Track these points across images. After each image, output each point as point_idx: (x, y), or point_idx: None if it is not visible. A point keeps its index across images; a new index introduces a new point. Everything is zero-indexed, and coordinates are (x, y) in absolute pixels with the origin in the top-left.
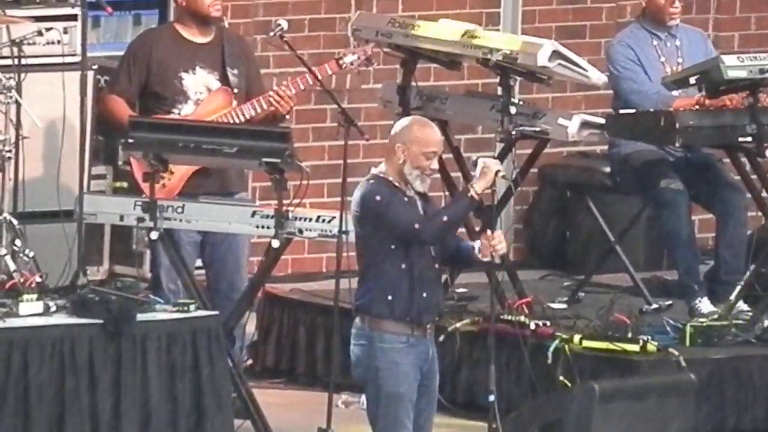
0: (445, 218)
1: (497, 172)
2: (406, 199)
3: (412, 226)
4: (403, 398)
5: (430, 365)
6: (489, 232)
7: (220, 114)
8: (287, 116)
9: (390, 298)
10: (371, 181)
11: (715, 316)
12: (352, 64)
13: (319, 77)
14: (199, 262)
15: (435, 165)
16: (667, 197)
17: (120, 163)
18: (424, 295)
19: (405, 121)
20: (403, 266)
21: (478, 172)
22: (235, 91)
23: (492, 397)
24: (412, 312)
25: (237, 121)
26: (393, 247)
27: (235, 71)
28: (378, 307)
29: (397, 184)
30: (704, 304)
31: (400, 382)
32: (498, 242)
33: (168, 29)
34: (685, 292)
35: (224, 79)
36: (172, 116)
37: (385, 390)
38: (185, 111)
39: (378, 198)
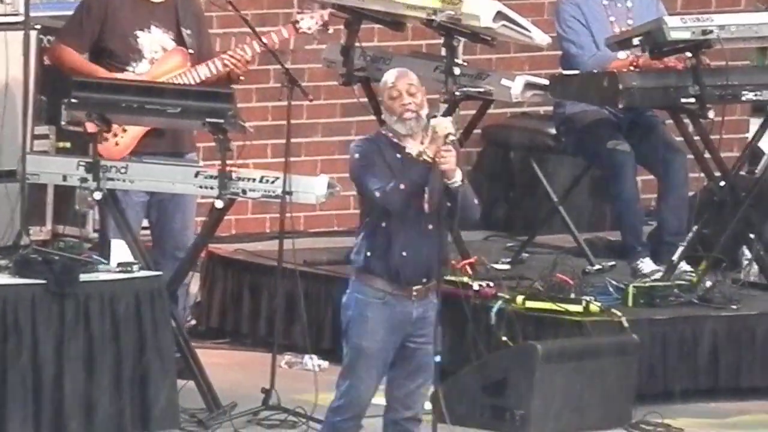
0: (402, 186)
1: (447, 135)
2: (398, 155)
3: (374, 194)
4: (364, 353)
5: (416, 329)
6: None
7: (175, 74)
8: (241, 78)
9: (368, 254)
10: (366, 138)
11: (658, 276)
12: (309, 28)
13: (272, 41)
14: (145, 222)
15: (409, 103)
16: (614, 159)
17: (63, 123)
18: (404, 254)
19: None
20: (383, 224)
21: (429, 135)
22: (191, 51)
23: (438, 358)
24: (390, 271)
25: (191, 81)
26: (368, 207)
27: (189, 31)
28: (359, 260)
29: (396, 140)
30: (646, 264)
31: (364, 336)
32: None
33: None
34: (628, 252)
35: (179, 39)
36: (125, 74)
37: (351, 340)
38: (140, 69)
39: (356, 157)
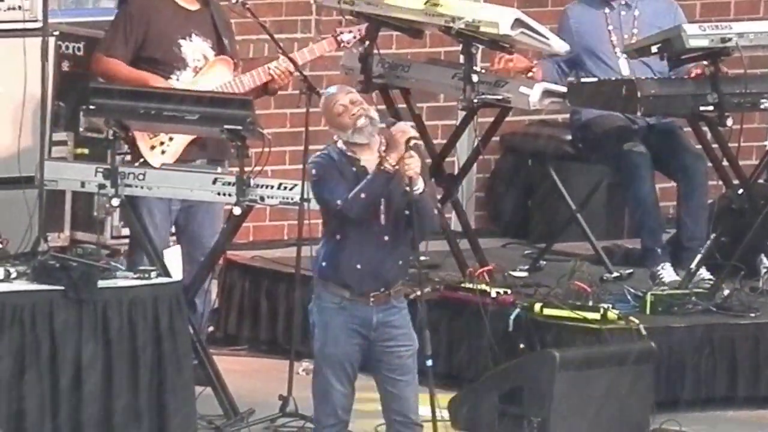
0: (363, 195)
1: (408, 139)
2: (354, 169)
3: (336, 204)
4: (329, 358)
5: (380, 334)
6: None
7: (221, 83)
8: (278, 91)
9: (324, 264)
10: (321, 153)
11: (676, 285)
12: (348, 42)
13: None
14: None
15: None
16: (630, 160)
17: (81, 129)
18: (358, 266)
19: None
20: (338, 237)
21: (390, 141)
22: (234, 60)
23: (430, 362)
24: (344, 281)
25: (237, 90)
26: (327, 218)
27: (226, 40)
28: (317, 268)
29: (350, 153)
30: (667, 271)
31: (327, 342)
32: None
33: None
34: (647, 256)
35: (218, 47)
36: (169, 82)
37: (315, 347)
38: (183, 78)
39: (313, 172)
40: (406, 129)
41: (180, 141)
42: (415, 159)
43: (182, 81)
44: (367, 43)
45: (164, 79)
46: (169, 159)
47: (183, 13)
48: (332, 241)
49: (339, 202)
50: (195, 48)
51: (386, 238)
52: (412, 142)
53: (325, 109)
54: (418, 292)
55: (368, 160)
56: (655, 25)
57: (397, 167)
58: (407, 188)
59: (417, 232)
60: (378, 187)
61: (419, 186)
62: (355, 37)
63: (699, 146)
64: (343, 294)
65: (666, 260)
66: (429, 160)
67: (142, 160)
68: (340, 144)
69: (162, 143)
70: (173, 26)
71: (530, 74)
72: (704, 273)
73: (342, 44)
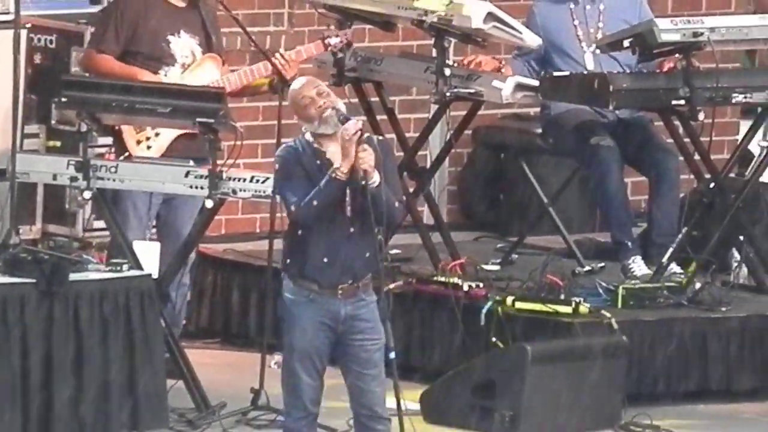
0: (315, 202)
1: (356, 133)
2: (318, 161)
3: (290, 206)
4: (297, 350)
5: (348, 327)
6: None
7: (210, 82)
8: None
9: (288, 261)
10: (288, 145)
11: (648, 279)
12: (335, 45)
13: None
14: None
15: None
16: (598, 154)
17: (53, 122)
18: (325, 260)
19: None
20: (300, 232)
21: (340, 145)
22: (222, 57)
23: (393, 354)
24: (312, 274)
25: (227, 88)
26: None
27: (214, 37)
28: (283, 264)
29: (317, 145)
30: (637, 265)
31: (295, 335)
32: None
33: None
34: (619, 249)
35: (206, 44)
36: (157, 78)
37: (285, 340)
38: (171, 74)
39: (276, 167)
40: (351, 128)
41: (167, 136)
42: (368, 152)
43: (170, 77)
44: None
45: (154, 74)
46: (155, 153)
47: (172, 10)
48: (295, 236)
49: (293, 207)
50: (183, 44)
51: (352, 230)
52: (360, 135)
53: (293, 101)
54: (391, 286)
55: (334, 152)
56: (621, 18)
57: (347, 174)
58: (363, 182)
59: (375, 224)
60: (330, 195)
61: (375, 179)
62: (341, 41)
63: (671, 140)
64: (311, 287)
65: (636, 254)
66: (399, 155)
67: (127, 153)
68: (307, 136)
69: (148, 138)
70: (163, 22)
71: (500, 73)
72: (675, 267)
73: (329, 47)
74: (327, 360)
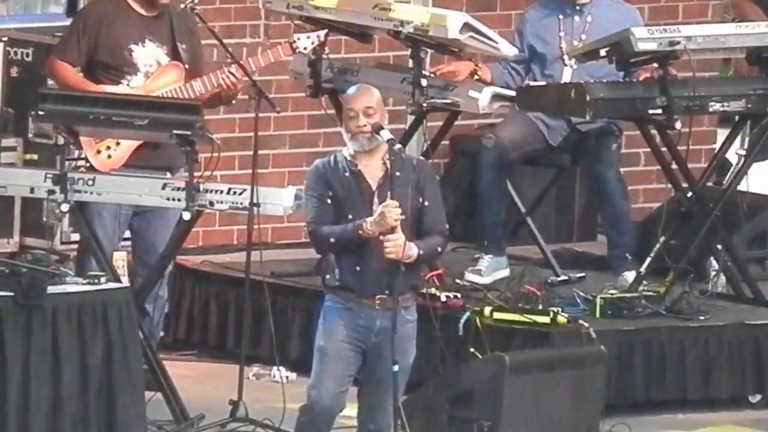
0: (332, 239)
1: (394, 228)
2: (347, 174)
3: (307, 224)
4: (322, 352)
5: (381, 340)
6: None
7: (170, 89)
8: (233, 101)
9: (327, 276)
10: (325, 158)
11: (625, 288)
12: (305, 48)
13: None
14: (126, 233)
15: (364, 125)
16: (479, 154)
17: (30, 135)
18: (357, 269)
19: None
20: (332, 240)
21: (377, 215)
22: (186, 66)
23: (396, 368)
24: (348, 283)
25: (186, 96)
26: None
27: (184, 45)
28: (324, 277)
29: (350, 158)
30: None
31: (323, 336)
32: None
33: (118, 0)
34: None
35: (173, 53)
36: (118, 87)
37: (315, 344)
38: (134, 83)
39: (306, 182)
40: (392, 213)
41: (126, 146)
42: (394, 243)
43: (133, 86)
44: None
45: (114, 84)
46: (115, 164)
47: (138, 19)
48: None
49: (310, 228)
50: (147, 53)
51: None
52: (396, 225)
53: (344, 102)
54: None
55: (366, 165)
56: (607, 31)
57: (372, 233)
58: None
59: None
60: (349, 242)
61: (412, 255)
62: (313, 43)
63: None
64: (350, 297)
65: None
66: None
67: (88, 164)
68: (344, 152)
69: (108, 147)
70: (126, 31)
71: (476, 76)
72: (629, 276)
73: (297, 50)
74: (354, 370)
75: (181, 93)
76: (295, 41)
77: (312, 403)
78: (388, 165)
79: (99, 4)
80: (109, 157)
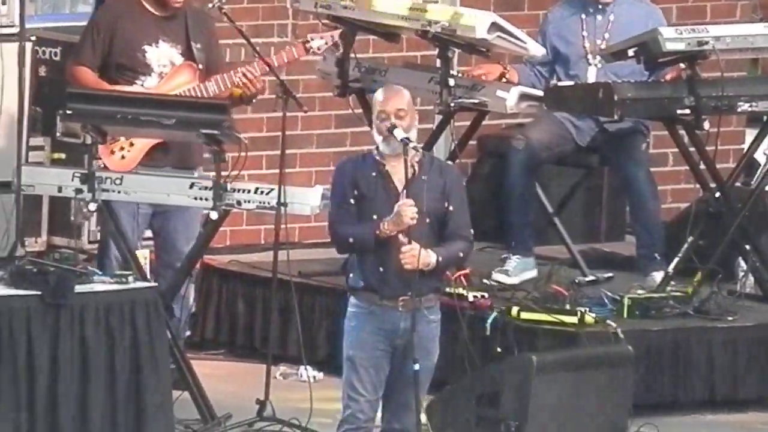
0: (351, 239)
1: (409, 226)
2: (374, 173)
3: (329, 224)
4: (352, 361)
5: (404, 340)
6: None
7: (184, 89)
8: (254, 99)
9: (351, 274)
10: (352, 156)
11: (653, 288)
12: (319, 48)
13: (282, 60)
14: (148, 233)
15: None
16: (507, 155)
17: (58, 134)
18: (381, 269)
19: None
20: (351, 240)
21: (393, 214)
22: (199, 66)
23: (417, 366)
24: (372, 284)
25: (200, 96)
26: None
27: (198, 45)
28: (348, 277)
29: (378, 158)
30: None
31: (352, 345)
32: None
33: (132, 1)
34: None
35: (188, 53)
36: (132, 88)
37: (344, 352)
38: (149, 83)
39: (333, 177)
40: (408, 212)
41: (139, 147)
42: (409, 255)
43: (147, 87)
44: (343, 47)
45: (128, 85)
46: (128, 165)
47: (152, 19)
48: None
49: (331, 228)
50: (161, 54)
51: (407, 240)
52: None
53: (375, 103)
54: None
55: (395, 166)
56: (630, 30)
57: (390, 233)
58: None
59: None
60: (368, 242)
61: (429, 264)
62: (326, 43)
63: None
64: (372, 298)
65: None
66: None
67: (102, 165)
68: (374, 148)
69: (122, 148)
70: (140, 32)
71: (504, 79)
72: (657, 276)
73: (311, 50)
74: (385, 374)
75: (195, 93)
76: (308, 41)
77: (352, 417)
78: (416, 168)
79: (112, 6)
80: (123, 157)
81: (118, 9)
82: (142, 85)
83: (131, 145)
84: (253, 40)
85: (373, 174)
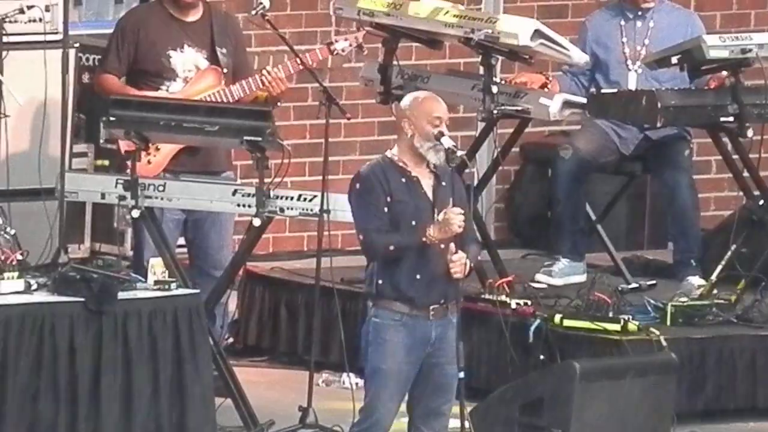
0: (391, 247)
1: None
2: (403, 179)
3: (360, 234)
4: (384, 375)
5: (435, 349)
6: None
7: (208, 93)
8: (280, 102)
9: (380, 282)
10: (372, 163)
11: (696, 295)
12: (343, 50)
13: (307, 61)
14: (181, 240)
15: (445, 137)
16: (555, 164)
17: (101, 141)
18: (418, 277)
19: (410, 96)
20: (391, 248)
21: (440, 220)
22: (224, 70)
23: (462, 375)
24: (404, 293)
25: (225, 100)
26: None
27: (224, 50)
28: (371, 289)
29: (402, 164)
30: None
31: (384, 358)
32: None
33: (156, 6)
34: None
35: (213, 58)
36: (158, 93)
37: (370, 364)
38: (173, 88)
39: (357, 186)
40: (457, 220)
41: (165, 152)
42: (459, 263)
43: (172, 92)
44: (385, 54)
45: (153, 90)
46: (155, 170)
47: (176, 24)
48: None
49: (362, 236)
50: (186, 59)
51: (443, 245)
52: (460, 229)
53: (417, 108)
54: None
55: (420, 172)
56: (669, 37)
57: (436, 240)
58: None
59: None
60: (409, 249)
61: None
62: (350, 45)
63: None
64: (404, 310)
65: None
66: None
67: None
68: (389, 153)
69: (149, 153)
70: (164, 37)
71: (546, 89)
72: (693, 280)
73: (335, 52)
74: (411, 385)
75: (219, 97)
76: (332, 42)
77: (370, 427)
78: (440, 174)
79: (136, 12)
80: (149, 162)
81: (142, 15)
82: (167, 90)
83: (157, 149)
84: (296, 47)
85: (403, 180)
